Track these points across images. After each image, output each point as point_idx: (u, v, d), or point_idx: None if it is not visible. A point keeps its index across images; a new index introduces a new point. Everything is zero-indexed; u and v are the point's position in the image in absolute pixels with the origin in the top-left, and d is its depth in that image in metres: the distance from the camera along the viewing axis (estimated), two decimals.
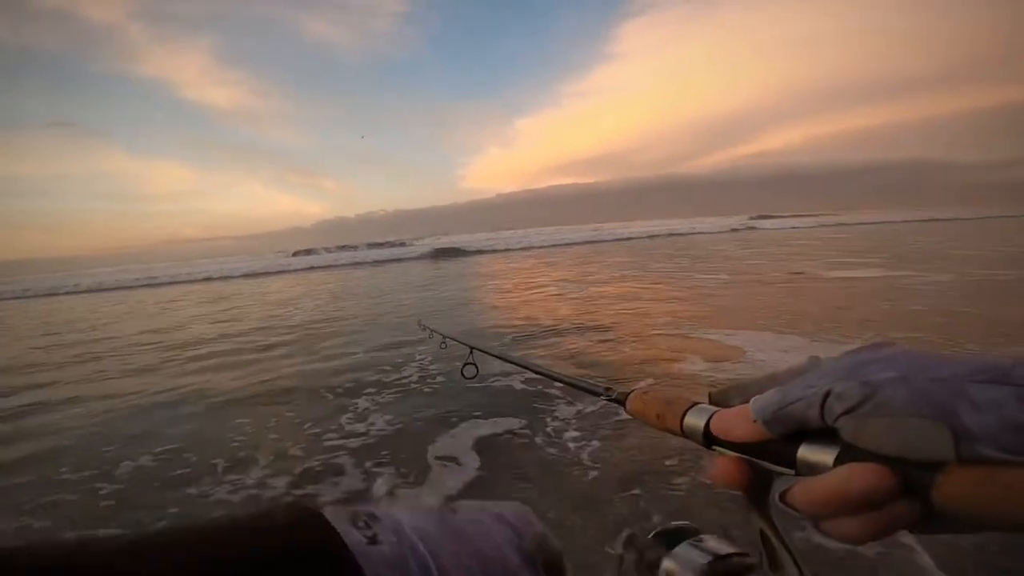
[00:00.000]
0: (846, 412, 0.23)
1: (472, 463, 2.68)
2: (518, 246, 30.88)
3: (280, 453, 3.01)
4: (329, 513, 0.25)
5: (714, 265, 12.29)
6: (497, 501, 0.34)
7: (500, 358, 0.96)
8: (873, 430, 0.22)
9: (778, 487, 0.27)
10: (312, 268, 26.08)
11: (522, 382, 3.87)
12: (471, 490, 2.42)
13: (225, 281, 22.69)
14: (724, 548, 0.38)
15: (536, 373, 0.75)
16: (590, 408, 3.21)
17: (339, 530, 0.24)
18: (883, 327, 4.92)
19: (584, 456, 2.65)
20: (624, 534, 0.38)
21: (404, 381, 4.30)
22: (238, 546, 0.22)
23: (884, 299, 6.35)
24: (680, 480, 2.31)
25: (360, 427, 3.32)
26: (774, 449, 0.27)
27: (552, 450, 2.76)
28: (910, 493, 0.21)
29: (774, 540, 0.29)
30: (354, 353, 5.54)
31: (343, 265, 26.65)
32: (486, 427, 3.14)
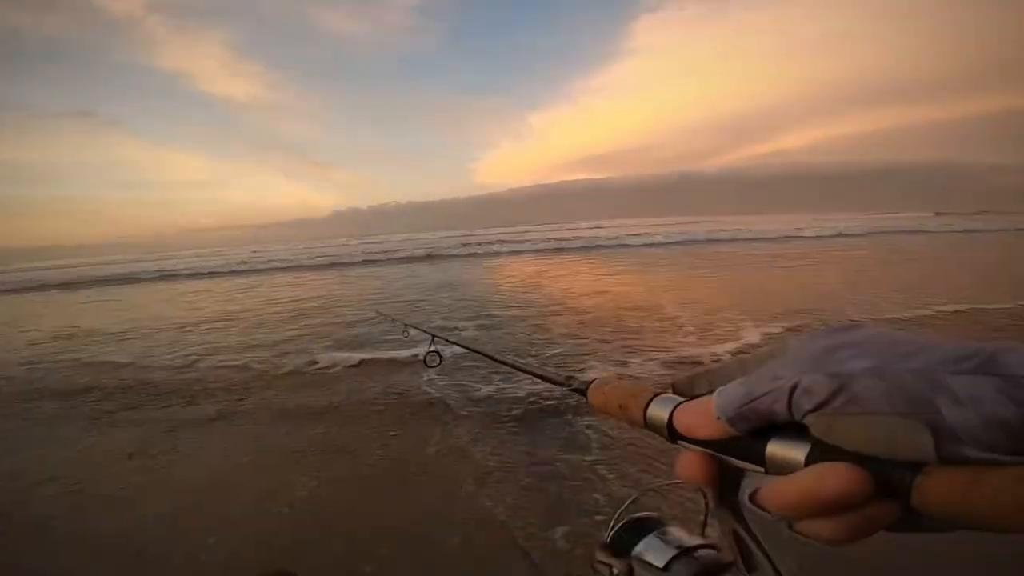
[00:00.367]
0: (815, 408, 0.21)
1: None
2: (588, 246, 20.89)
3: None
4: None
5: None
6: None
7: (463, 347, 0.92)
8: (845, 428, 0.20)
9: (748, 484, 0.25)
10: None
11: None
12: None
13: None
14: (690, 540, 0.37)
15: (498, 363, 0.72)
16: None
17: None
18: None
19: None
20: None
21: None
22: None
23: None
24: None
25: None
26: (742, 445, 0.25)
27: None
28: (888, 494, 0.19)
29: (747, 539, 0.28)
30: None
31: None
32: None
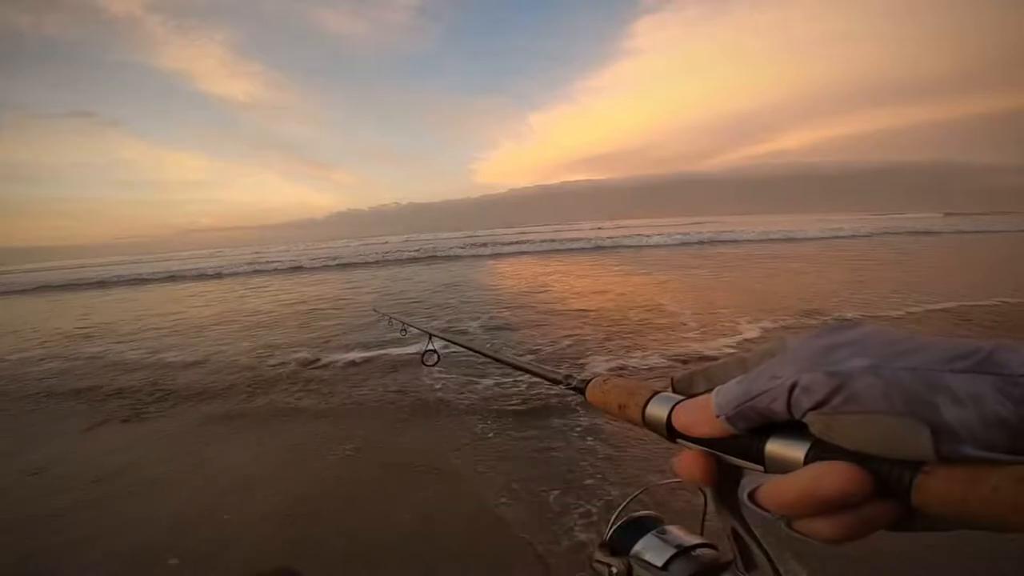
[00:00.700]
0: (814, 407, 0.21)
1: None
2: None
3: None
4: None
5: None
6: None
7: (460, 345, 0.92)
8: (844, 427, 0.20)
9: (747, 482, 0.25)
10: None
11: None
12: None
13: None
14: (689, 539, 0.37)
15: (496, 361, 0.72)
16: None
17: None
18: None
19: None
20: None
21: None
22: None
23: None
24: None
25: None
26: (741, 444, 0.25)
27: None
28: (887, 493, 0.19)
29: (746, 538, 0.28)
30: None
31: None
32: None
